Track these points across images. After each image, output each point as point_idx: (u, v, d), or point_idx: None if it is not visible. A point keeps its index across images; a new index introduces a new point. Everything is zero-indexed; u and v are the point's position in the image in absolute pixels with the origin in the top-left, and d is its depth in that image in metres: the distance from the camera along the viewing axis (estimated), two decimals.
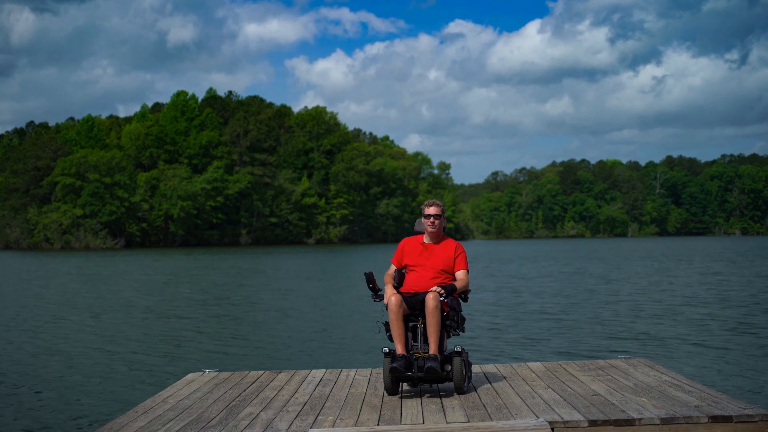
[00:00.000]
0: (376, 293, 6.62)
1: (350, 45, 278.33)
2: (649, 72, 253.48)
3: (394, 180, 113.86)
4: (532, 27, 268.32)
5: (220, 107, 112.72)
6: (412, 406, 5.85)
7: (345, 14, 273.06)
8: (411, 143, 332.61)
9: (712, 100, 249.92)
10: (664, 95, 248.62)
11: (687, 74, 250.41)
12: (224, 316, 19.95)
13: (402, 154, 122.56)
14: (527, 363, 7.67)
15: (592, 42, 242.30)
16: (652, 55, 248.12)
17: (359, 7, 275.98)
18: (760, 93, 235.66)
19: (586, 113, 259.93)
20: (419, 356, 6.22)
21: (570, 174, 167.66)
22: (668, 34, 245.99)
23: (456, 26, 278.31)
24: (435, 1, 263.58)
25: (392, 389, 6.22)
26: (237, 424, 5.41)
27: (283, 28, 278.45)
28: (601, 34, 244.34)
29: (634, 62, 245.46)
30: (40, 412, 9.61)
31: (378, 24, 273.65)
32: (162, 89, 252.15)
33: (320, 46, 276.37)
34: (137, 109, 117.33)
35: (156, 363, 13.03)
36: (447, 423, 5.26)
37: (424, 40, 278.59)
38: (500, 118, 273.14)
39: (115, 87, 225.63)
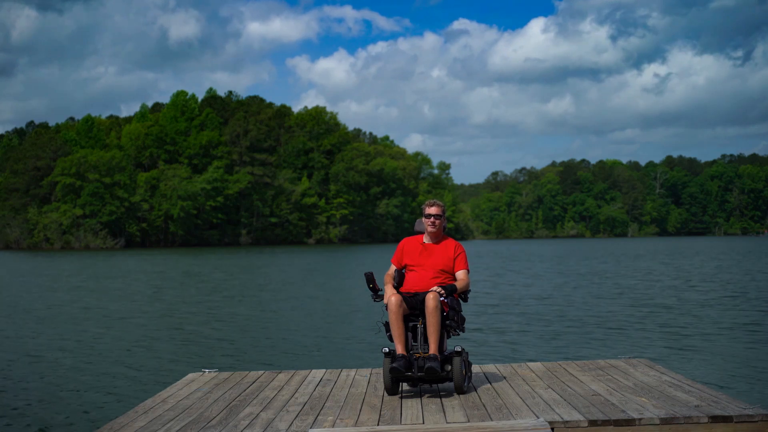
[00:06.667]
0: (376, 293, 6.62)
1: (353, 44, 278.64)
2: (653, 71, 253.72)
3: (394, 180, 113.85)
4: (536, 26, 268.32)
5: (220, 107, 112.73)
6: (412, 406, 5.85)
7: (348, 12, 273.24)
8: (412, 143, 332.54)
9: (716, 99, 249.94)
10: (667, 94, 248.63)
11: (691, 73, 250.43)
12: (224, 316, 19.95)
13: (402, 154, 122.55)
14: (527, 363, 7.67)
15: (597, 41, 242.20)
16: (656, 54, 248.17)
17: (363, 6, 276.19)
18: (763, 92, 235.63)
19: (588, 113, 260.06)
20: (419, 356, 6.22)
21: (570, 174, 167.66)
22: (673, 31, 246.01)
23: (460, 25, 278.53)
24: (440, 0, 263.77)
25: (392, 389, 6.22)
26: (237, 424, 5.40)
27: (286, 27, 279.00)
28: (605, 32, 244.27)
29: (638, 61, 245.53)
30: (40, 412, 9.61)
31: (382, 22, 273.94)
32: (165, 88, 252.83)
33: (323, 44, 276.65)
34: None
35: (156, 363, 13.03)
36: (447, 423, 5.26)
37: (429, 39, 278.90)
38: (502, 117, 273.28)
39: (117, 86, 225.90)
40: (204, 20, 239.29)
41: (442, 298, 6.31)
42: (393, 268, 6.75)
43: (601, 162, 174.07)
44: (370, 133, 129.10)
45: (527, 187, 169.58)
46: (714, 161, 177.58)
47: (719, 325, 16.73)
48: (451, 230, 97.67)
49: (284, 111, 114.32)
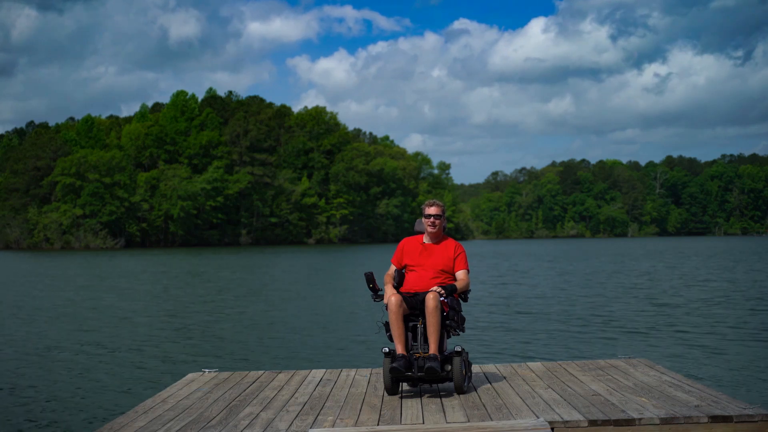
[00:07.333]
0: (376, 293, 6.62)
1: (354, 44, 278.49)
2: (653, 70, 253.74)
3: (394, 180, 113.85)
4: (536, 25, 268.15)
5: (220, 107, 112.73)
6: (412, 406, 5.85)
7: (349, 12, 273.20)
8: (412, 143, 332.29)
9: (716, 98, 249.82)
10: (668, 94, 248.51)
11: (691, 73, 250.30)
12: (224, 316, 19.95)
13: (402, 154, 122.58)
14: (527, 363, 7.67)
15: (597, 40, 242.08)
16: (656, 54, 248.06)
17: (363, 5, 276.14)
18: (764, 92, 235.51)
19: (588, 113, 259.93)
20: (419, 356, 6.22)
21: (570, 174, 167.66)
22: (673, 31, 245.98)
23: (460, 25, 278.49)
24: (440, 0, 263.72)
25: (392, 389, 6.22)
26: (237, 424, 5.41)
27: (286, 27, 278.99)
28: (605, 32, 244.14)
29: (639, 61, 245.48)
30: (40, 412, 9.61)
31: (383, 22, 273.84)
32: (165, 88, 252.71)
33: (323, 44, 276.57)
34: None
35: (156, 363, 13.03)
36: (447, 423, 5.26)
37: (430, 39, 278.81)
38: (502, 117, 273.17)
39: (117, 86, 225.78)
40: (204, 20, 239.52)
41: (442, 298, 6.31)
42: (393, 268, 6.75)
43: (601, 162, 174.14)
44: (370, 133, 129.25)
45: (527, 187, 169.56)
46: (714, 161, 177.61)
47: (719, 325, 16.73)
48: (451, 230, 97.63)
49: (284, 111, 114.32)
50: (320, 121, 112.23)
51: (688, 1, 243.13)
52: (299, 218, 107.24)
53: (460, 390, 6.20)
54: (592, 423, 5.16)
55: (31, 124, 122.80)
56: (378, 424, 5.29)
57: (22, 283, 33.73)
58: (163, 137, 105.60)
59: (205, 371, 7.62)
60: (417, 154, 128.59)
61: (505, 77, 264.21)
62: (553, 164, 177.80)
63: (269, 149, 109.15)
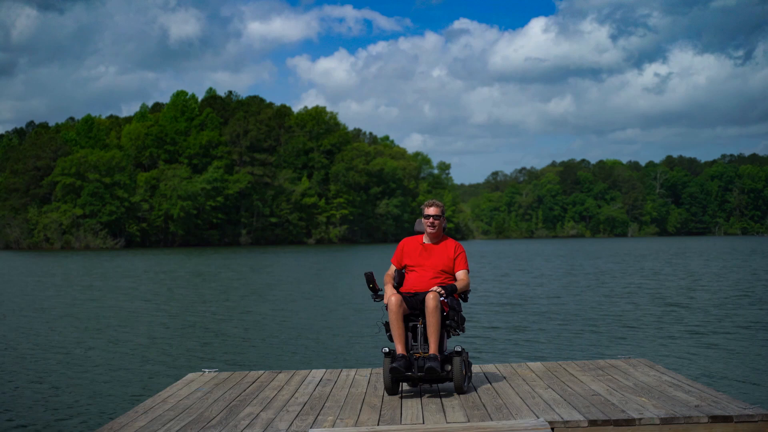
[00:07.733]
0: (376, 293, 6.62)
1: (354, 43, 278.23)
2: (653, 70, 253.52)
3: (394, 180, 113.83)
4: (536, 25, 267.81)
5: (220, 107, 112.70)
6: (412, 406, 5.85)
7: (349, 12, 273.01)
8: (413, 142, 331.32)
9: (716, 98, 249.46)
10: (668, 94, 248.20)
11: (692, 72, 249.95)
12: (224, 316, 19.95)
13: (402, 154, 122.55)
14: (527, 363, 7.67)
15: (597, 40, 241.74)
16: (657, 53, 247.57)
17: (364, 5, 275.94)
18: (764, 92, 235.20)
19: (589, 112, 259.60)
20: (419, 356, 6.22)
21: (570, 174, 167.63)
22: (674, 31, 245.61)
23: (460, 24, 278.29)
24: (441, 0, 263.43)
25: (392, 389, 6.23)
26: (237, 424, 5.41)
27: (286, 27, 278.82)
28: (605, 32, 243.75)
29: (639, 60, 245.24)
30: (40, 412, 9.62)
31: (383, 22, 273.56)
32: (165, 88, 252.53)
33: (324, 44, 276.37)
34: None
35: (156, 363, 13.03)
36: (447, 423, 5.26)
37: (430, 39, 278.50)
38: (503, 117, 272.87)
39: (118, 86, 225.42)
40: (204, 20, 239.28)
41: (442, 298, 6.32)
42: (393, 268, 6.76)
43: (601, 162, 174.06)
44: (370, 133, 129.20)
45: (527, 187, 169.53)
46: (714, 161, 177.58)
47: (720, 326, 16.73)
48: (451, 230, 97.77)
49: (284, 111, 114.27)
50: (320, 121, 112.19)
51: (688, 1, 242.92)
52: (299, 218, 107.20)
53: (460, 390, 6.20)
54: (592, 423, 5.16)
55: (31, 124, 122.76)
56: (378, 424, 5.29)
57: (24, 283, 33.73)
58: (163, 137, 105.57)
59: (205, 371, 7.63)
60: (417, 154, 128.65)
61: (506, 77, 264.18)
62: (553, 164, 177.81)
63: (269, 149, 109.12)
